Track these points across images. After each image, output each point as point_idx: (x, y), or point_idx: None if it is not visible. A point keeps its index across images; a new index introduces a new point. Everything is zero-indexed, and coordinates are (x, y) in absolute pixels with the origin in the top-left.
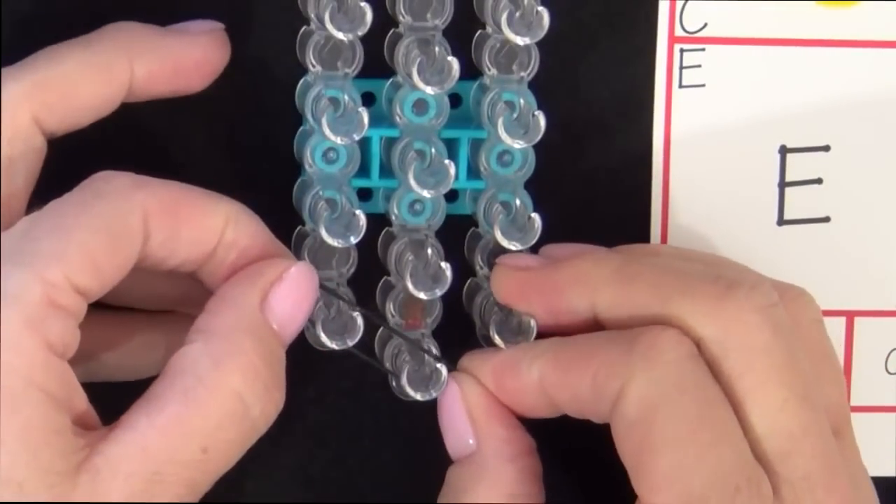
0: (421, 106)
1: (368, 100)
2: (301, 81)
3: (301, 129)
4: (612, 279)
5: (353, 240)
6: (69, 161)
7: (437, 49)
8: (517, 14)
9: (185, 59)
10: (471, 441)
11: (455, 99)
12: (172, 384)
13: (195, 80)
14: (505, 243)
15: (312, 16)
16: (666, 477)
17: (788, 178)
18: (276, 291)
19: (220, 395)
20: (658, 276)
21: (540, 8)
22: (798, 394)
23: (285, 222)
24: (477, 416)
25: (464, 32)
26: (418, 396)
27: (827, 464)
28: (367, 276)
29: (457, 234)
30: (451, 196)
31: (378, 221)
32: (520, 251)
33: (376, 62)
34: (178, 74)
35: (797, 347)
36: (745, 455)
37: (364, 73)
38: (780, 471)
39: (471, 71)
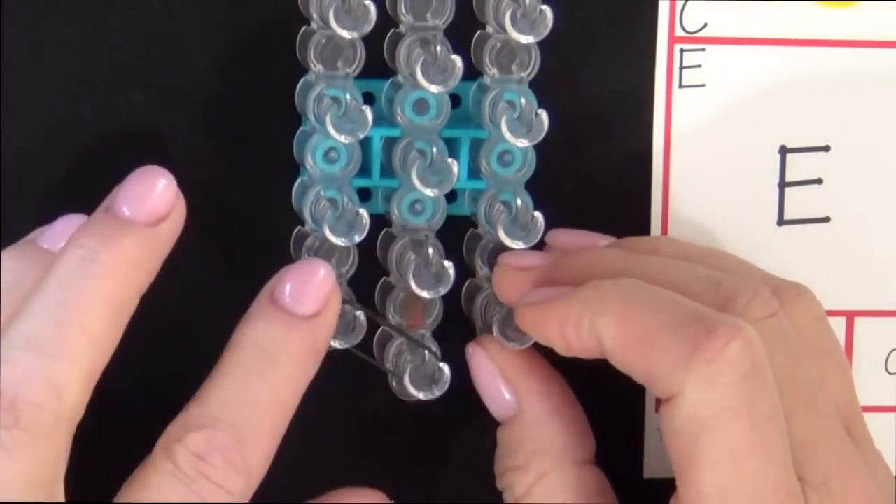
0: (422, 105)
1: (367, 100)
2: (301, 81)
3: (301, 129)
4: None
5: (357, 238)
6: (69, 162)
7: (438, 48)
8: (519, 13)
9: (173, 230)
10: (508, 397)
11: (454, 100)
12: None
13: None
14: (508, 242)
15: (315, 15)
16: (706, 495)
17: (788, 178)
18: None
19: None
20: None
21: (543, 6)
22: (803, 402)
23: (285, 222)
24: (510, 375)
25: (463, 33)
26: (421, 396)
27: (843, 466)
28: (366, 277)
29: (455, 234)
30: (450, 196)
31: (377, 222)
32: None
33: (375, 62)
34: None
35: (799, 352)
36: (788, 473)
37: (363, 74)
38: (800, 477)
39: (470, 72)
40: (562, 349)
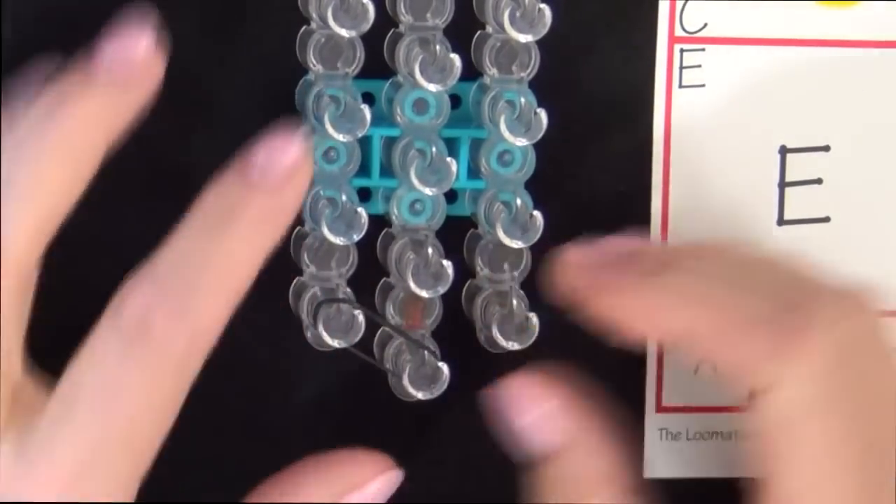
0: (421, 105)
1: (368, 100)
2: (301, 81)
3: None
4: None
5: (355, 237)
6: None
7: (437, 48)
8: (518, 12)
9: (143, 94)
10: (555, 438)
11: (455, 100)
12: None
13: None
14: (507, 242)
15: (314, 14)
16: (801, 492)
17: (788, 178)
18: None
19: None
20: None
21: (542, 5)
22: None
23: None
24: (551, 408)
25: (464, 32)
26: (420, 395)
27: None
28: (367, 277)
29: (456, 235)
30: (451, 197)
31: (378, 223)
32: (521, 249)
33: (375, 63)
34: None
35: (879, 350)
36: (884, 463)
37: (363, 74)
38: None
39: (470, 71)
40: (637, 334)
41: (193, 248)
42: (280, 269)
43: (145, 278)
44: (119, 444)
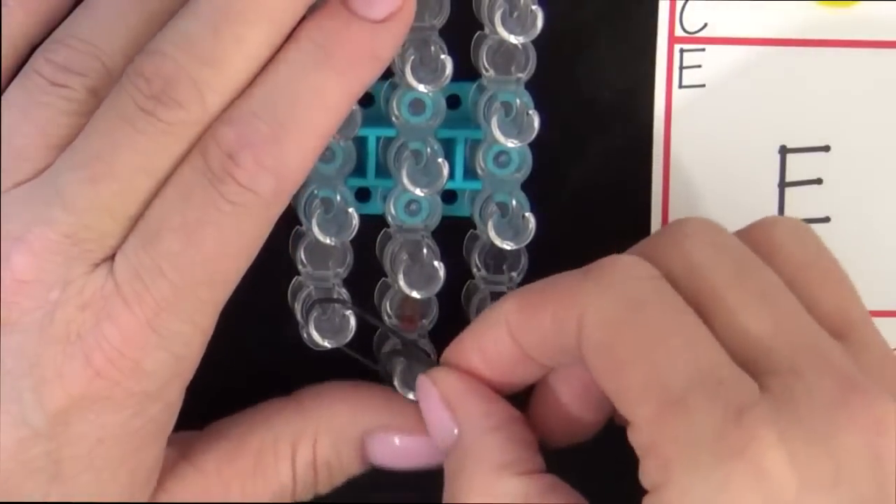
0: (418, 106)
1: (367, 100)
2: None
3: None
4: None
5: (346, 238)
6: None
7: (432, 48)
8: (513, 14)
9: None
10: (453, 429)
11: (456, 101)
12: (247, 450)
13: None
14: (498, 242)
15: None
16: (642, 387)
17: (788, 178)
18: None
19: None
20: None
21: (534, 7)
22: (755, 294)
23: (284, 222)
24: (452, 398)
25: (464, 33)
26: (410, 396)
27: (816, 353)
28: (366, 277)
29: (457, 235)
30: (451, 198)
31: (378, 222)
32: (518, 250)
33: None
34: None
35: (751, 262)
36: (721, 355)
37: None
38: (764, 369)
39: (471, 72)
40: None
41: (285, 85)
42: (280, 267)
43: (235, 115)
44: (200, 277)
